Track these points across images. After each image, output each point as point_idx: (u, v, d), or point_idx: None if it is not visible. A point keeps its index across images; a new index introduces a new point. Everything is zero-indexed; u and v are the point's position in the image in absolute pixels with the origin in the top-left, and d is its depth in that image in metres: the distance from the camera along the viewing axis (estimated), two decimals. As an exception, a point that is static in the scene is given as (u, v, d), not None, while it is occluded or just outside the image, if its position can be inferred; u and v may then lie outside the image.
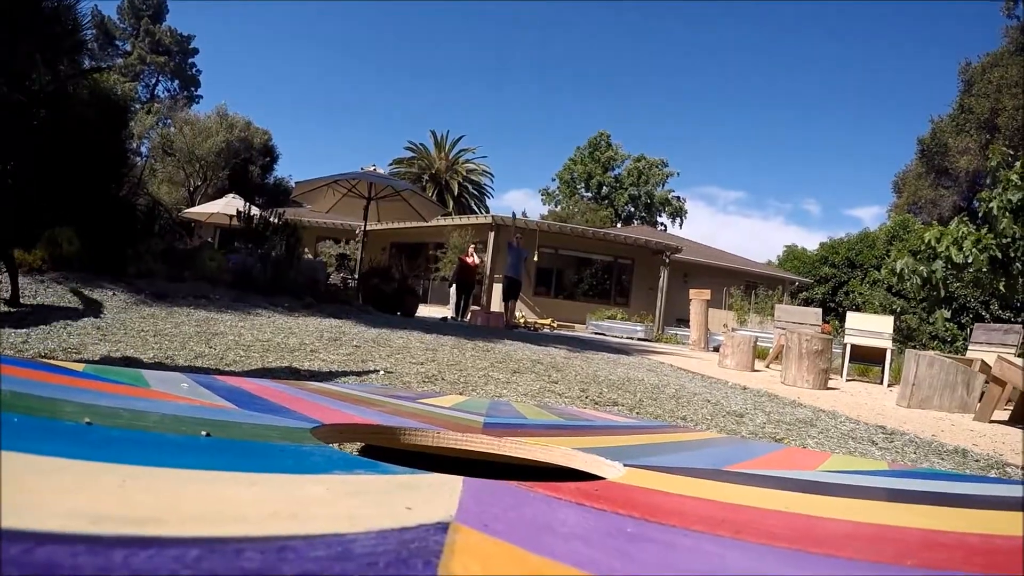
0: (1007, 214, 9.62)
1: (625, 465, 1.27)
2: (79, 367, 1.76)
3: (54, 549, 0.44)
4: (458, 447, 1.48)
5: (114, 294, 6.81)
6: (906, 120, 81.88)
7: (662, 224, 52.38)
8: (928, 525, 1.00)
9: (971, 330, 10.04)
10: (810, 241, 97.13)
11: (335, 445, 1.23)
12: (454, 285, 16.55)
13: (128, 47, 52.22)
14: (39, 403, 1.08)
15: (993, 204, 9.89)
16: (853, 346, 10.43)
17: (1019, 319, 16.03)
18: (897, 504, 1.24)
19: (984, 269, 9.98)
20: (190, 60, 55.17)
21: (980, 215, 10.72)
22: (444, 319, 13.85)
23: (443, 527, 0.60)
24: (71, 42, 9.65)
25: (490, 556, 0.54)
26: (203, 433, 0.97)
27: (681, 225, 53.46)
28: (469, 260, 16.54)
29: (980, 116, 32.27)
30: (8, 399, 1.03)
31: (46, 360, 2.84)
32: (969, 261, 9.99)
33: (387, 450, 1.53)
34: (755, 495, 1.16)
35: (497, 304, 19.57)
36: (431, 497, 0.74)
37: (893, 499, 1.29)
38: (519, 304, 17.38)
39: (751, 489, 1.22)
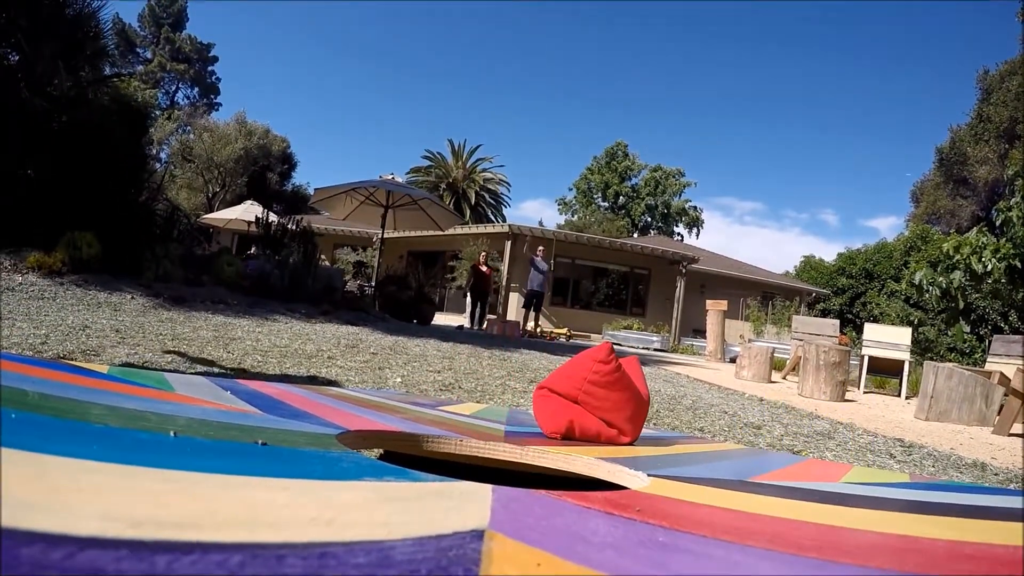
0: (1026, 224, 9.56)
1: (649, 475, 1.27)
2: (103, 369, 1.77)
3: (97, 554, 0.43)
4: (481, 455, 1.48)
5: (132, 297, 6.86)
6: (924, 129, 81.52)
7: (679, 234, 52.31)
8: (953, 536, 1.00)
9: (990, 342, 9.93)
10: (827, 252, 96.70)
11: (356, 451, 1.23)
12: (469, 294, 16.58)
13: (149, 54, 52.74)
14: (66, 405, 1.09)
15: (1012, 213, 9.82)
16: (871, 358, 10.33)
17: (1038, 331, 15.86)
18: (921, 515, 1.23)
19: (1003, 280, 9.89)
20: (209, 68, 55.63)
21: (998, 224, 10.63)
22: (460, 327, 13.86)
23: (478, 535, 0.59)
24: (93, 48, 9.77)
25: (527, 564, 0.54)
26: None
27: (698, 235, 53.45)
28: (482, 268, 16.57)
29: (999, 125, 32.02)
30: (36, 400, 1.03)
31: (68, 361, 2.86)
32: (988, 270, 9.91)
33: (401, 456, 1.52)
34: (781, 506, 1.15)
35: (514, 313, 19.55)
36: (463, 505, 0.74)
37: (917, 511, 1.29)
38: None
39: (776, 500, 1.21)
